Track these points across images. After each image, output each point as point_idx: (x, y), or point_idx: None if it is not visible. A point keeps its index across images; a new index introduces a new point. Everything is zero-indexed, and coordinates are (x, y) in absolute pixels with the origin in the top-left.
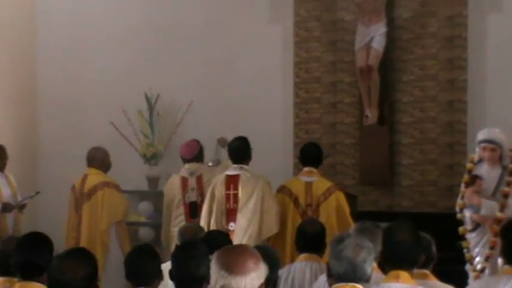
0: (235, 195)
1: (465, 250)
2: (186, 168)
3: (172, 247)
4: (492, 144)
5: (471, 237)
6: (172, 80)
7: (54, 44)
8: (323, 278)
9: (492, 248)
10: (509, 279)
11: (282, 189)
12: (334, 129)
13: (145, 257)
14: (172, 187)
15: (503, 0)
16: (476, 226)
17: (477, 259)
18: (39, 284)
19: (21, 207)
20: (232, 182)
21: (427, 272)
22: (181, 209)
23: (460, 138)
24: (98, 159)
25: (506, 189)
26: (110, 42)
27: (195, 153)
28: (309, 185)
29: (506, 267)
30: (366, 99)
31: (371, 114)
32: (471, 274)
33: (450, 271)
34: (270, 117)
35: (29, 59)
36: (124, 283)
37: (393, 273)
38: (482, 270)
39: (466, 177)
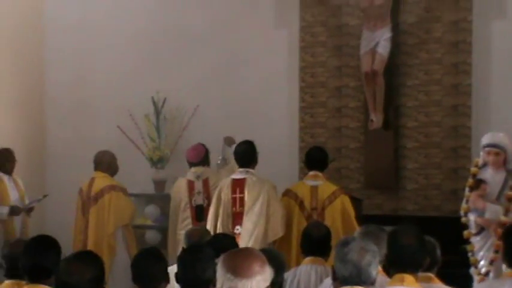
0: (242, 199)
1: (469, 254)
2: (192, 172)
3: (179, 250)
4: (496, 149)
5: (475, 240)
6: (179, 85)
7: (61, 48)
8: (328, 281)
9: (496, 251)
10: None
11: (288, 193)
12: (339, 134)
13: (151, 260)
14: (178, 190)
15: (507, 6)
16: (481, 230)
17: (481, 262)
18: (46, 287)
19: (29, 210)
20: (238, 185)
21: (431, 275)
22: (188, 212)
23: (464, 142)
24: (105, 163)
25: (511, 193)
26: (117, 47)
27: (201, 157)
28: (314, 189)
29: (509, 270)
30: (371, 103)
31: (376, 119)
32: (476, 277)
33: (455, 274)
34: (276, 121)
35: (37, 63)
36: (131, 286)
37: (398, 276)
38: (486, 274)
39: (470, 181)
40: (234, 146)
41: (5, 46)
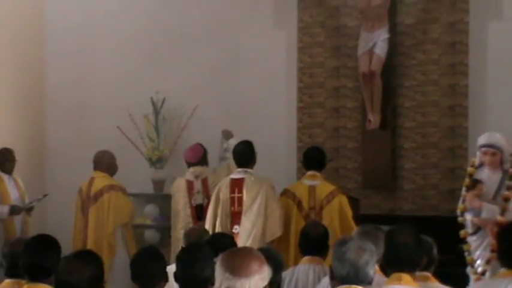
0: (240, 199)
1: (466, 253)
2: (191, 172)
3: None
4: (493, 149)
5: (472, 240)
6: (178, 85)
7: (61, 49)
8: (326, 280)
9: (493, 251)
10: (510, 282)
11: (286, 193)
12: (337, 134)
13: (150, 259)
14: (178, 190)
15: (504, 7)
16: (477, 229)
17: (478, 262)
18: (46, 286)
19: (29, 209)
20: (236, 185)
21: (428, 274)
22: (188, 212)
23: (461, 142)
24: (105, 163)
25: (507, 193)
26: (116, 48)
27: (199, 157)
28: (312, 189)
29: (504, 270)
30: (369, 104)
31: (373, 119)
32: (472, 277)
33: (451, 274)
34: (274, 121)
35: (37, 64)
36: (130, 285)
37: (395, 275)
38: (483, 273)
39: (467, 181)
40: (232, 140)
41: (5, 47)
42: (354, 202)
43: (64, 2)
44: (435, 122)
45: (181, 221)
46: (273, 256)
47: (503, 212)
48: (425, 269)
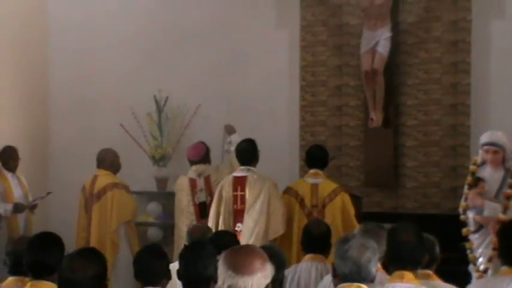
0: (243, 197)
1: (468, 251)
2: (193, 170)
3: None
4: (495, 147)
5: (474, 238)
6: (181, 84)
7: (64, 47)
8: (328, 278)
9: (495, 249)
10: None
11: (288, 191)
12: (339, 132)
13: (153, 257)
14: (181, 188)
15: (506, 6)
16: (479, 227)
17: (480, 260)
18: (50, 283)
19: (33, 207)
20: (239, 183)
21: (430, 272)
22: (192, 210)
23: (463, 140)
24: (108, 161)
25: (509, 191)
26: (119, 46)
27: (201, 155)
28: (314, 187)
29: (505, 268)
30: (371, 102)
31: (376, 117)
32: (474, 275)
33: (453, 271)
34: (277, 119)
35: (41, 62)
36: (133, 282)
37: (397, 273)
38: (485, 271)
39: (469, 179)
40: (234, 136)
41: (8, 46)
42: (356, 200)
43: (67, 1)
44: (437, 120)
45: (185, 219)
46: (276, 254)
47: (505, 210)
48: (428, 266)
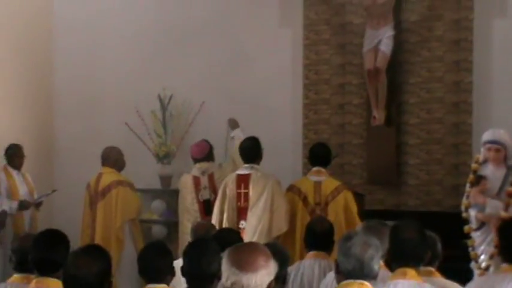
0: (246, 194)
1: (470, 248)
2: (197, 168)
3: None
4: (497, 145)
5: (476, 235)
6: (185, 82)
7: (70, 46)
8: (331, 275)
9: (496, 246)
10: None
11: (292, 188)
12: (342, 130)
13: (157, 254)
14: (185, 186)
15: (508, 5)
16: (481, 225)
17: (482, 257)
18: (55, 280)
19: (38, 205)
20: (243, 181)
21: (432, 269)
22: (196, 207)
23: (465, 138)
24: (112, 158)
25: (511, 189)
26: (123, 45)
27: (205, 153)
28: (317, 184)
29: (505, 265)
30: (374, 100)
31: (378, 115)
32: (476, 272)
33: (455, 269)
34: (280, 118)
35: (46, 61)
36: (137, 279)
37: (400, 270)
38: (486, 268)
39: (471, 177)
40: (237, 131)
41: (14, 45)
42: (359, 198)
43: (72, 1)
44: (440, 119)
45: (189, 217)
46: (279, 251)
47: (507, 207)
48: (430, 264)
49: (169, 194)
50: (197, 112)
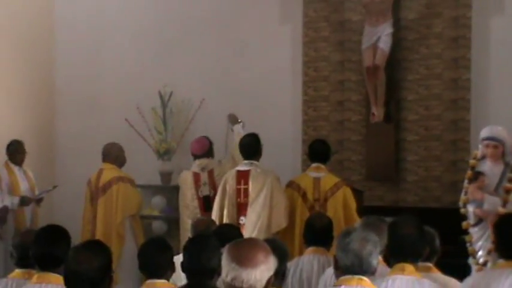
0: (246, 190)
1: (468, 244)
2: (197, 164)
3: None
4: (495, 142)
5: (474, 231)
6: (185, 79)
7: (71, 45)
8: (330, 271)
9: (494, 242)
10: (511, 273)
11: (291, 185)
12: (341, 127)
13: (158, 249)
14: (185, 182)
15: (506, 2)
16: (479, 221)
17: (480, 253)
18: (56, 275)
19: (39, 200)
20: (243, 177)
21: (430, 265)
22: (196, 203)
23: (463, 135)
24: (113, 155)
25: (508, 185)
26: (124, 43)
27: (205, 150)
28: (317, 181)
29: (502, 261)
30: (373, 97)
31: (377, 112)
32: (474, 267)
33: (453, 264)
34: (279, 114)
35: (48, 60)
36: (138, 274)
37: (398, 265)
38: (484, 264)
39: (469, 173)
40: (237, 126)
41: (16, 44)
42: (358, 194)
43: (73, 0)
44: (438, 115)
45: (189, 213)
46: (278, 247)
47: (504, 203)
48: (428, 259)
49: (170, 190)
50: (197, 109)
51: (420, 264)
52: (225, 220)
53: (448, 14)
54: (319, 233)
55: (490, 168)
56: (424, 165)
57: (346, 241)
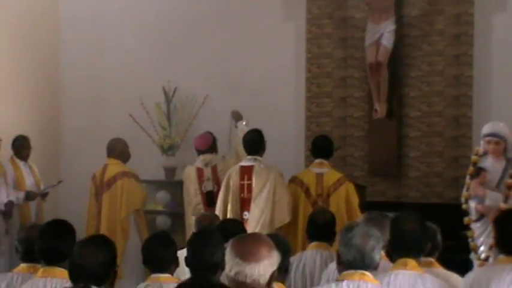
0: (249, 186)
1: (470, 239)
2: (201, 160)
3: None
4: (496, 138)
5: (476, 227)
6: (189, 75)
7: (76, 42)
8: (333, 266)
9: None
10: None
11: (294, 180)
12: (344, 123)
13: (162, 244)
14: (188, 177)
15: (508, 0)
16: (481, 216)
17: (481, 248)
18: (61, 269)
19: (44, 195)
20: (246, 172)
21: (432, 260)
22: (199, 198)
23: (465, 131)
24: (117, 150)
25: (510, 181)
26: (129, 39)
27: (209, 145)
28: (320, 176)
29: (502, 256)
30: (375, 93)
31: (380, 108)
32: (475, 262)
33: (455, 259)
34: (283, 110)
35: (53, 58)
36: (142, 269)
37: (401, 261)
38: (486, 259)
39: (471, 169)
40: (240, 123)
41: (22, 43)
42: (360, 189)
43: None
44: (440, 112)
45: (193, 208)
46: (281, 242)
47: (506, 199)
48: (430, 254)
49: (174, 186)
50: (201, 105)
51: (422, 259)
52: (229, 215)
53: (451, 11)
54: (322, 228)
55: (492, 165)
56: (426, 161)
57: (349, 236)
